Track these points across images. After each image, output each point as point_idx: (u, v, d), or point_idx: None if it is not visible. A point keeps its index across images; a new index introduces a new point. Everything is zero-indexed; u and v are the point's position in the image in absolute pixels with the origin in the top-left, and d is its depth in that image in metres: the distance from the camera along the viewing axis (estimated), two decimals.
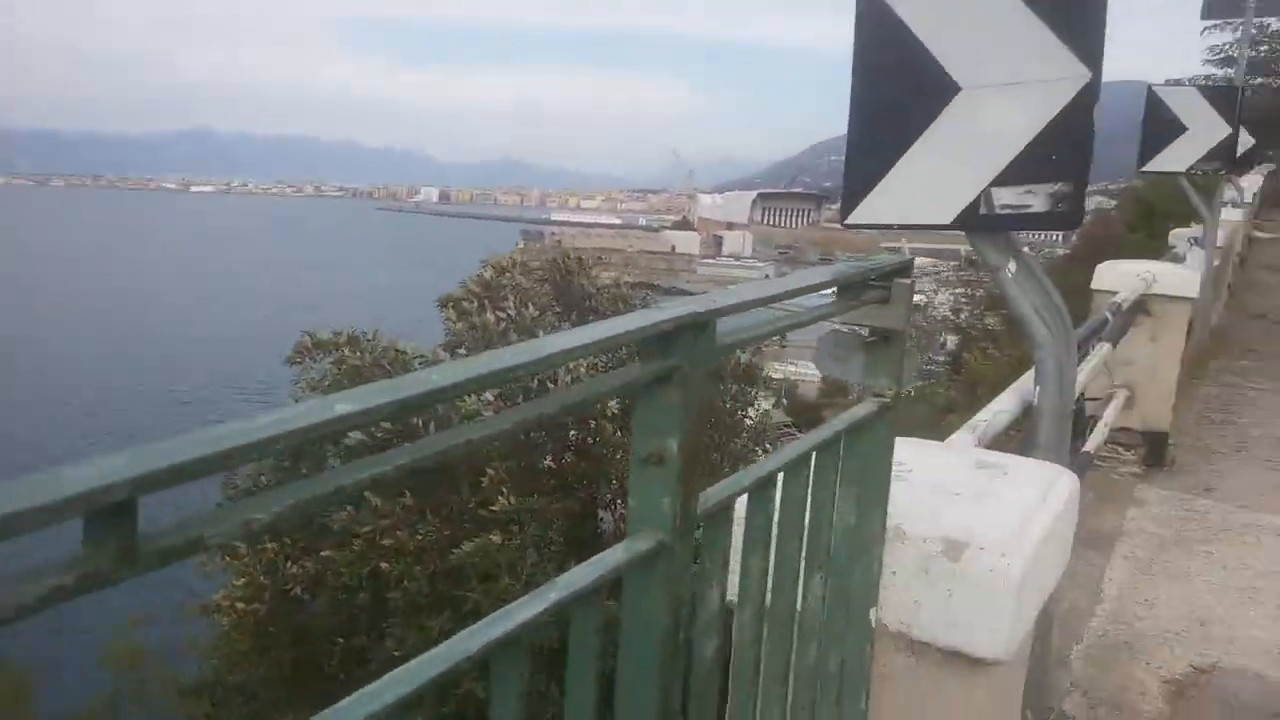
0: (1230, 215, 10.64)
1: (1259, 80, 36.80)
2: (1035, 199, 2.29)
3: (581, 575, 1.01)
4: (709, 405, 6.73)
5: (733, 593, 1.37)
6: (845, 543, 1.63)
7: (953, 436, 2.50)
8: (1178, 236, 9.42)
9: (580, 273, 8.24)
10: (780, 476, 1.40)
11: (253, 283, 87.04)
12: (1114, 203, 30.93)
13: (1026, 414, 2.65)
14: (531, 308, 7.58)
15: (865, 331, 1.67)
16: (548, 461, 6.81)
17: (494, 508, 5.78)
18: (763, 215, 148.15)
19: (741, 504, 1.33)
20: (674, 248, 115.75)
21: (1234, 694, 3.20)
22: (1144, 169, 7.53)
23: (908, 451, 2.00)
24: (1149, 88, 7.42)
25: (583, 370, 5.72)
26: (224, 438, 0.59)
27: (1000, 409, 2.72)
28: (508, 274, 7.93)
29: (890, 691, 1.75)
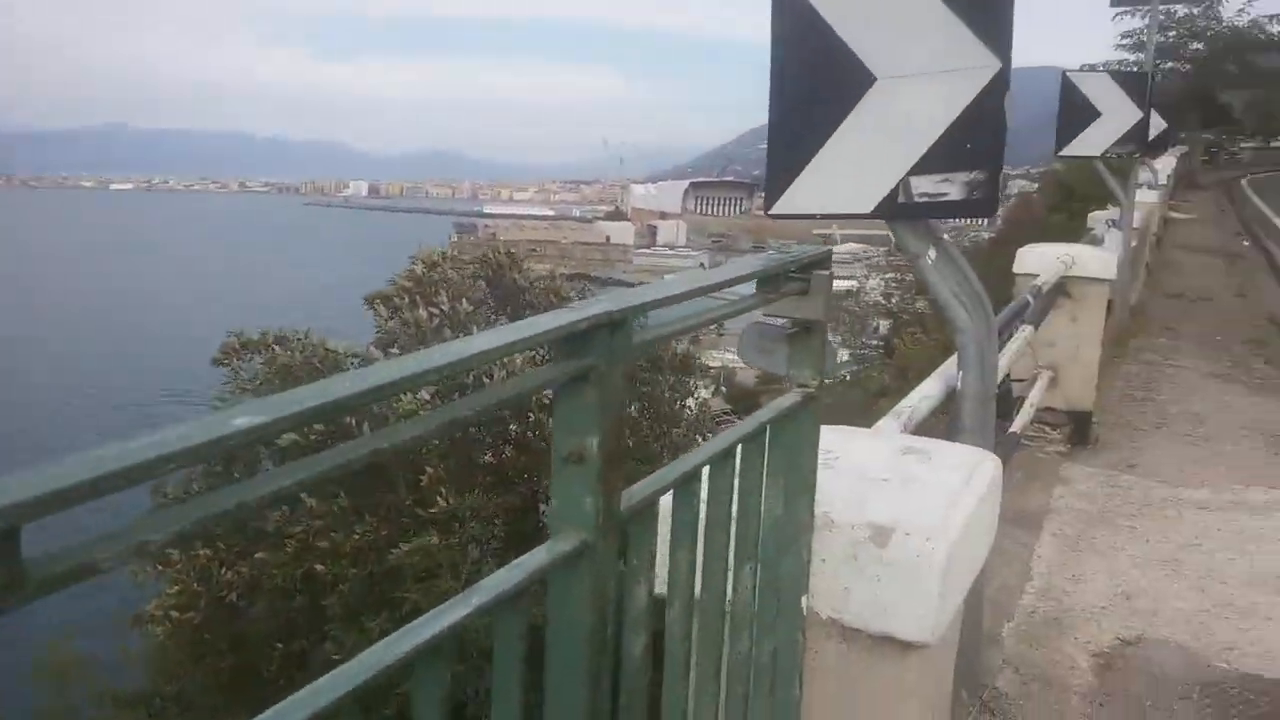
0: (1146, 197, 10.96)
1: (1169, 65, 37.97)
2: (951, 187, 2.34)
3: (504, 579, 1.00)
4: (627, 402, 6.76)
5: (662, 588, 1.38)
6: (774, 533, 1.64)
7: (879, 423, 2.54)
8: (1095, 219, 9.68)
9: (512, 267, 8.19)
10: (705, 470, 1.40)
11: (174, 282, 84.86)
12: (1036, 186, 31.67)
13: (951, 398, 2.70)
14: (465, 303, 7.52)
15: (787, 323, 1.69)
16: (487, 457, 6.77)
17: (433, 510, 5.72)
18: (696, 204, 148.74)
19: (667, 499, 1.34)
20: (609, 238, 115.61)
21: (1158, 664, 3.31)
22: (1061, 153, 7.72)
23: (835, 439, 2.03)
24: (1063, 74, 7.60)
25: (518, 364, 5.69)
26: (109, 460, 0.57)
27: (925, 394, 2.77)
28: (439, 269, 7.86)
29: (823, 679, 1.77)
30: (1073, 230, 10.09)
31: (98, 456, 0.58)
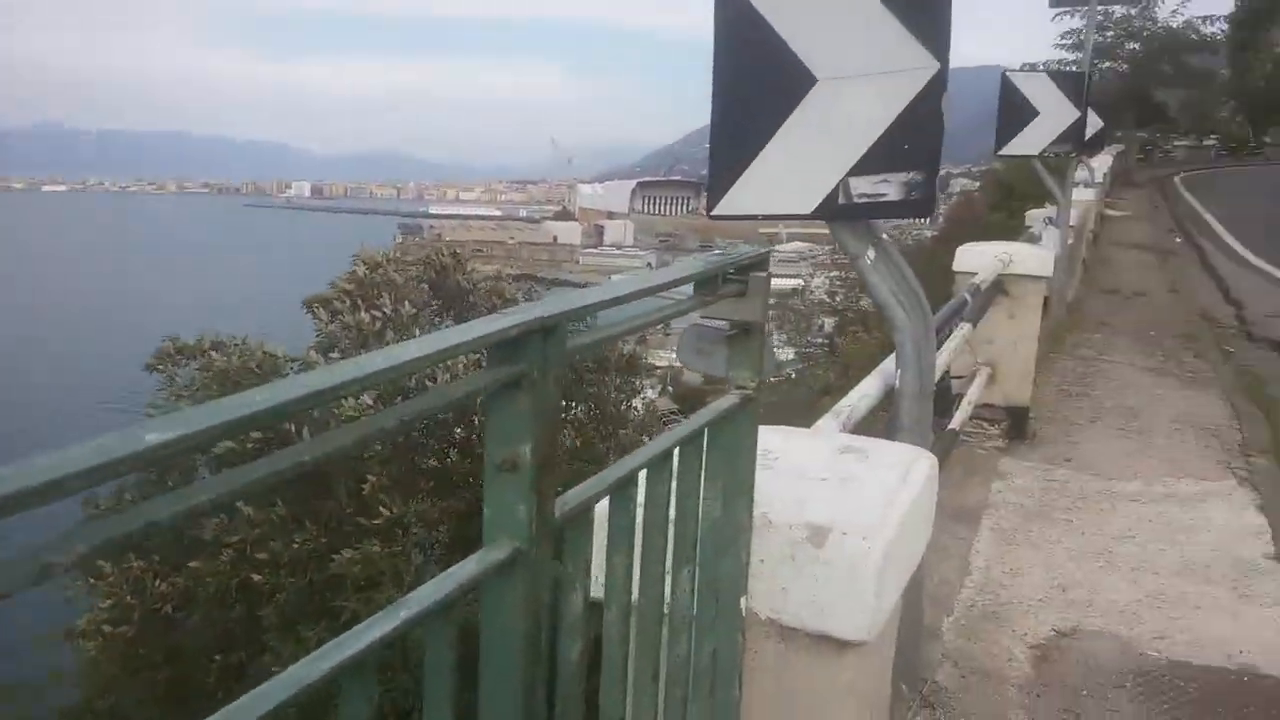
0: (1083, 195, 11.19)
1: (1106, 65, 38.87)
2: (890, 188, 2.36)
3: (433, 590, 0.99)
4: (564, 406, 6.71)
5: (599, 592, 1.37)
6: (712, 535, 1.65)
7: (819, 422, 2.56)
8: (1033, 217, 9.87)
9: (456, 268, 8.11)
10: (643, 475, 1.40)
11: (109, 286, 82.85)
12: (978, 184, 32.20)
13: (890, 396, 2.73)
14: (408, 305, 7.42)
15: (726, 325, 1.69)
16: (431, 461, 6.70)
17: (377, 521, 5.64)
18: (643, 204, 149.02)
19: (604, 505, 1.33)
20: (556, 238, 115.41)
21: (1093, 655, 3.38)
22: (1000, 152, 7.86)
23: (774, 440, 2.04)
24: (1003, 74, 7.73)
25: (460, 368, 5.64)
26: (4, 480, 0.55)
27: (864, 393, 2.80)
28: (381, 270, 7.75)
29: (762, 679, 1.77)
30: (1012, 228, 10.27)
31: None
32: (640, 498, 1.40)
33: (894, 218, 2.56)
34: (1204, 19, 39.79)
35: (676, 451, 1.49)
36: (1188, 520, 4.60)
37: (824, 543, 1.71)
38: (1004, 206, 16.67)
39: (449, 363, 5.69)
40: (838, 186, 2.39)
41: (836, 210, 2.40)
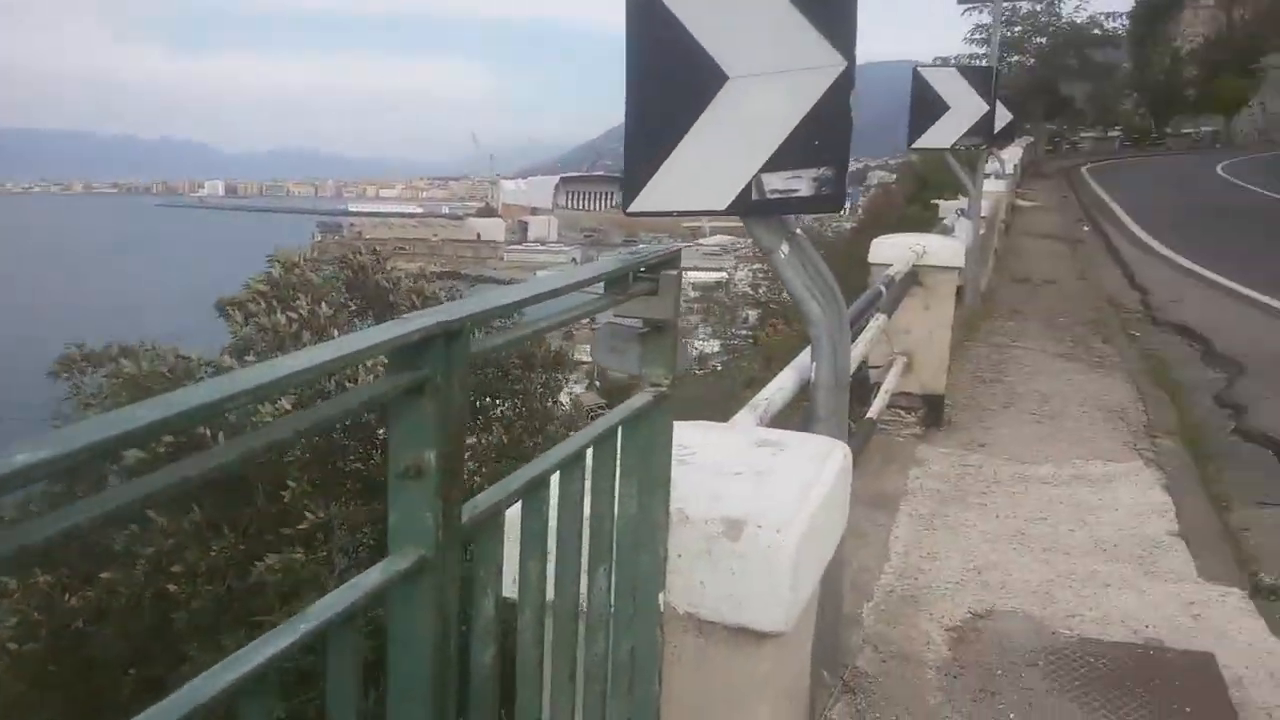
0: (993, 186, 11.48)
1: (1014, 59, 39.95)
2: (801, 183, 2.39)
3: (335, 601, 0.97)
4: (467, 412, 6.66)
5: (514, 594, 1.36)
6: (629, 532, 1.65)
7: (736, 416, 2.58)
8: (946, 209, 10.09)
9: (376, 267, 7.98)
10: (555, 476, 1.40)
11: (13, 290, 79.70)
12: (895, 176, 32.83)
13: (807, 388, 2.77)
14: (325, 306, 7.28)
15: (639, 323, 1.69)
16: (354, 464, 6.59)
17: (301, 527, 5.52)
18: (567, 199, 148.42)
19: (516, 508, 1.32)
20: (479, 235, 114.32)
21: (1008, 635, 3.48)
22: (913, 146, 8.02)
23: (691, 434, 2.05)
24: (914, 69, 7.89)
25: (372, 378, 5.56)
26: None
27: (780, 386, 2.83)
28: (297, 271, 7.59)
29: (681, 673, 1.79)
30: (928, 219, 10.51)
31: None
32: (553, 500, 1.40)
33: (805, 213, 2.59)
34: (1106, 15, 41.21)
35: (590, 451, 1.49)
36: (1096, 501, 4.76)
37: (739, 536, 1.73)
38: (919, 198, 17.03)
39: (371, 364, 5.60)
40: (750, 183, 2.41)
41: (750, 206, 2.43)
